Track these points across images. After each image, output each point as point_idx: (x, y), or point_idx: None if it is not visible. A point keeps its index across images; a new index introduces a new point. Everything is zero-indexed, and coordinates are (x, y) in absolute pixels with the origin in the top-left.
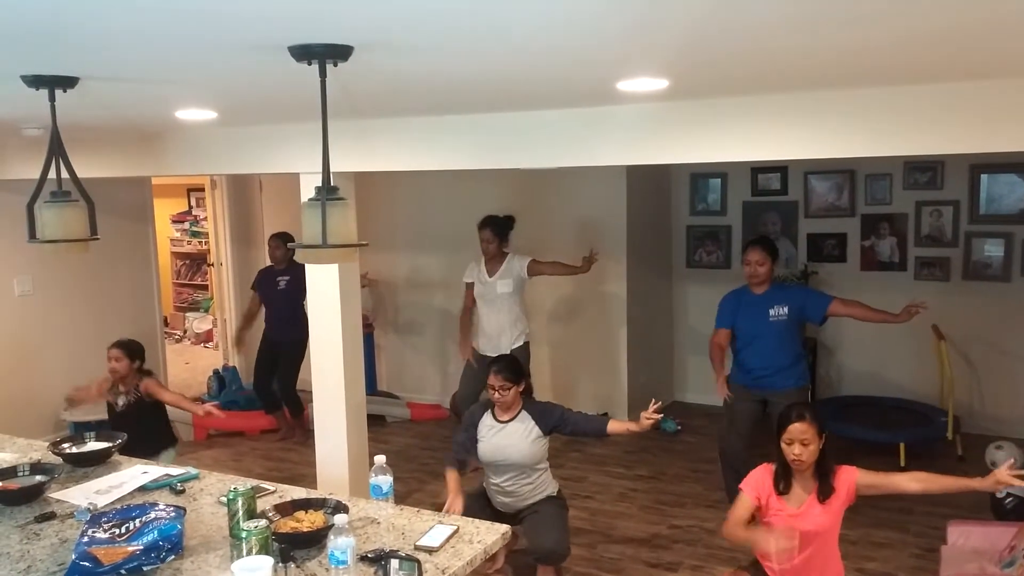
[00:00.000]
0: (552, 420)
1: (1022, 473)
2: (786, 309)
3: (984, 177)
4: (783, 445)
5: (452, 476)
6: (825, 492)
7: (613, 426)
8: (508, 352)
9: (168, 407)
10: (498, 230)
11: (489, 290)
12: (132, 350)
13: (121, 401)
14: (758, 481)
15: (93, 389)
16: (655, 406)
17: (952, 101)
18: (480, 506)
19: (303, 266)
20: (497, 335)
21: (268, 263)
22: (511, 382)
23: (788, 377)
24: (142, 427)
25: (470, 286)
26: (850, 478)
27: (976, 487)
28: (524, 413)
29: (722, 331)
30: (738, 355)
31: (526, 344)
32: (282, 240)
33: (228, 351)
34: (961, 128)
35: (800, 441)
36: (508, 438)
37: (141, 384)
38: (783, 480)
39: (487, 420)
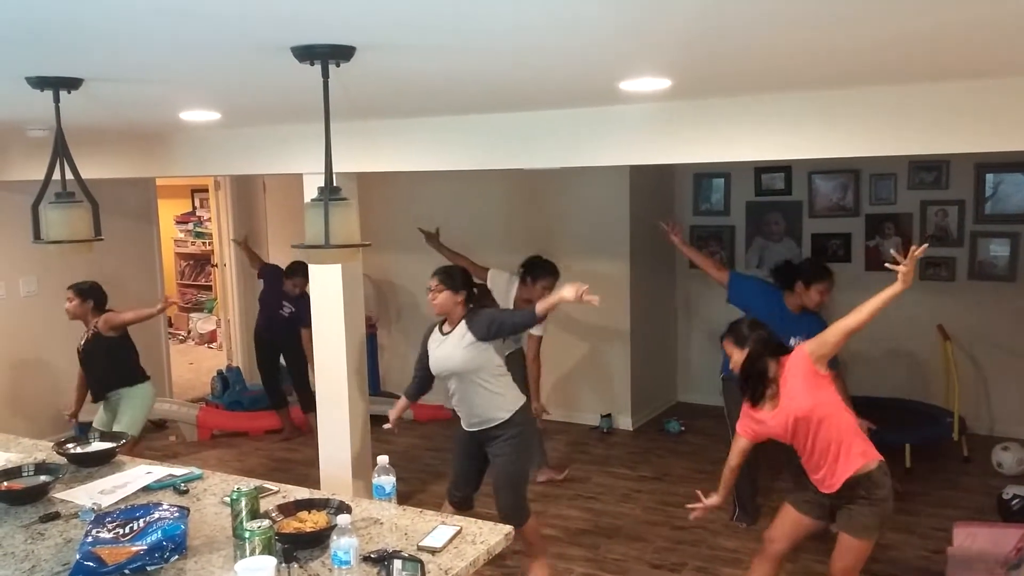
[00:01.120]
0: (485, 323)
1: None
2: (800, 340)
3: (990, 176)
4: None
5: (401, 401)
6: (772, 390)
7: (540, 306)
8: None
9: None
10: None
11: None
12: (82, 290)
13: (82, 341)
14: (743, 418)
15: (79, 378)
16: (585, 289)
17: (957, 100)
18: (462, 449)
19: (308, 302)
20: None
21: (271, 262)
22: (444, 285)
23: None
24: (111, 361)
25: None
26: (799, 357)
27: (894, 291)
28: (463, 323)
29: (724, 274)
30: None
31: (521, 349)
32: (302, 271)
33: (231, 352)
34: (966, 127)
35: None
36: (446, 348)
37: (99, 321)
38: (750, 395)
39: (435, 334)
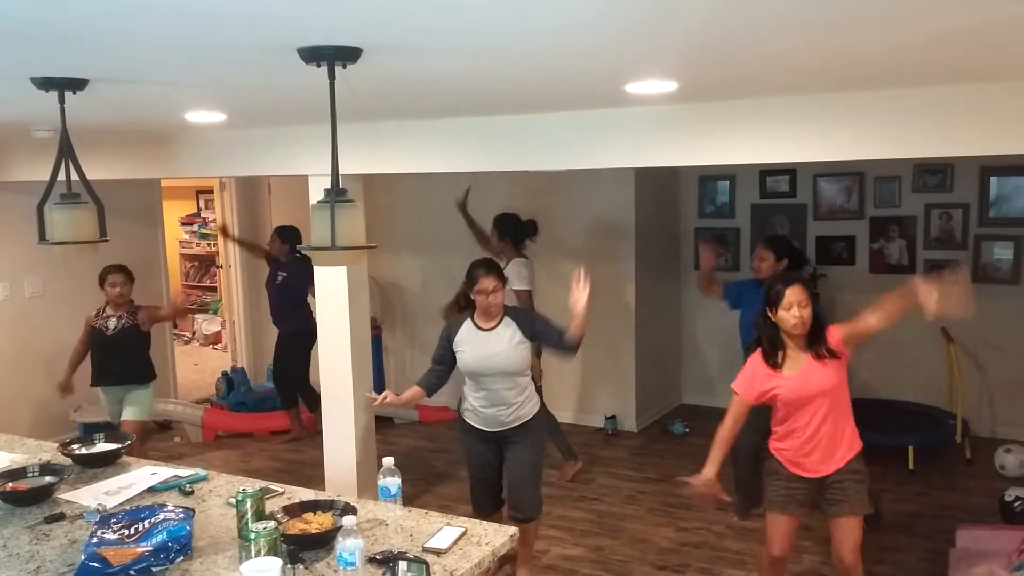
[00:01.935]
0: (531, 325)
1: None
2: None
3: (994, 179)
4: (782, 314)
5: (413, 389)
6: (823, 351)
7: (571, 332)
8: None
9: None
10: (505, 228)
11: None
12: (129, 273)
13: (112, 324)
14: (749, 376)
15: (77, 351)
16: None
17: (962, 103)
18: (478, 461)
19: (301, 263)
20: None
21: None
22: (503, 282)
23: None
24: (137, 355)
25: None
26: (837, 336)
27: (912, 300)
28: (507, 318)
29: (719, 288)
30: (743, 334)
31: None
32: (279, 234)
33: (236, 353)
34: (971, 130)
35: (798, 303)
36: (494, 346)
37: (140, 311)
38: (773, 355)
39: (466, 330)
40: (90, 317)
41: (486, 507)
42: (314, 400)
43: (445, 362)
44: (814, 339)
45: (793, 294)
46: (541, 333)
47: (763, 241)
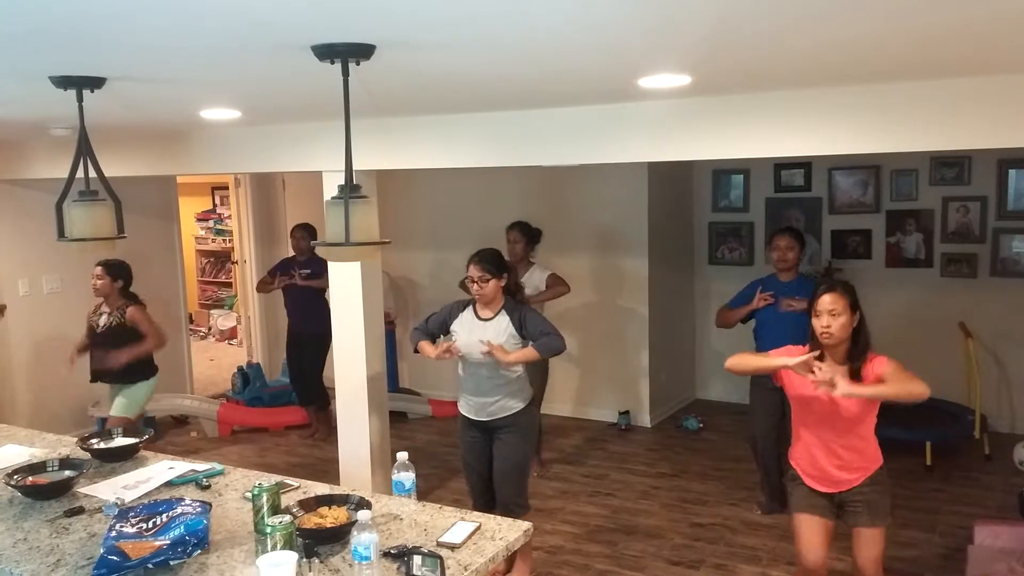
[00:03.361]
0: (525, 324)
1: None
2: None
3: (1012, 172)
4: (814, 320)
5: (426, 343)
6: (854, 374)
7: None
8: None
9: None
10: (526, 232)
11: None
12: (111, 267)
13: (102, 321)
14: (787, 352)
15: (83, 343)
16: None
17: (979, 95)
18: (474, 455)
19: (323, 260)
20: None
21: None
22: (490, 274)
23: None
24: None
25: None
26: (879, 368)
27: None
28: (504, 311)
29: (725, 312)
30: (758, 342)
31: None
32: (307, 231)
33: (252, 348)
34: (988, 123)
35: (828, 312)
36: (486, 333)
37: (128, 309)
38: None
39: (466, 316)
40: (89, 313)
41: (481, 502)
42: (324, 401)
43: (432, 331)
44: (854, 356)
45: (824, 302)
46: (529, 333)
47: (787, 231)
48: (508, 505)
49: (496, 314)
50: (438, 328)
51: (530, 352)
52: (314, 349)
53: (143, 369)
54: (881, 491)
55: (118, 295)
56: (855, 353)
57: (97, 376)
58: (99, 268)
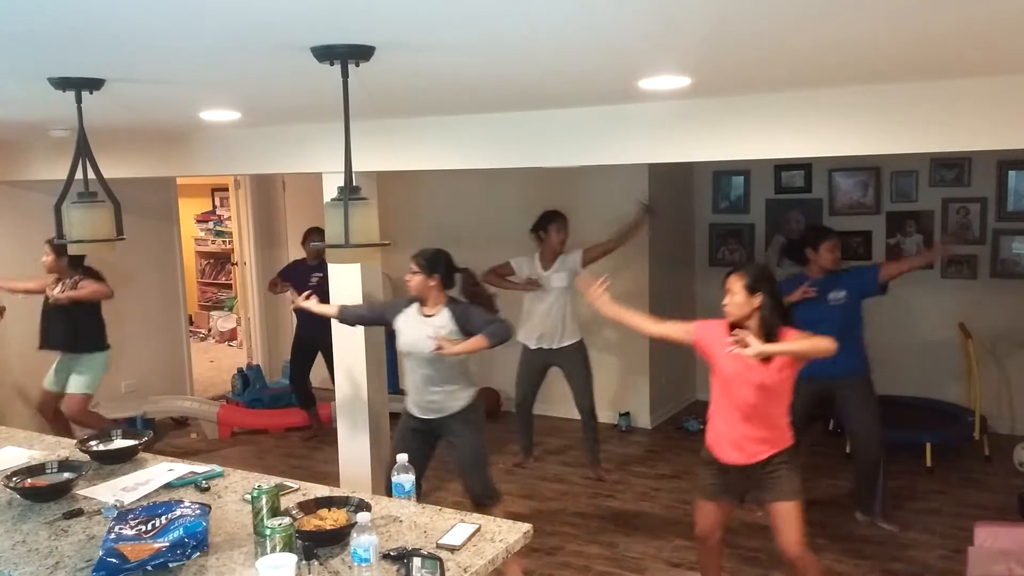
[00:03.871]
0: (467, 322)
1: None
2: (844, 293)
3: (1012, 174)
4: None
5: (331, 308)
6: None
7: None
8: (566, 346)
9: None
10: (566, 223)
11: (544, 284)
12: (59, 248)
13: (57, 291)
14: (709, 326)
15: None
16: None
17: (979, 96)
18: (404, 443)
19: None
20: (553, 330)
21: (291, 260)
22: (421, 270)
23: (850, 362)
24: (72, 323)
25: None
26: (789, 338)
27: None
28: (446, 311)
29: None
30: None
31: (582, 340)
32: (321, 236)
33: (252, 349)
34: (988, 123)
35: (727, 291)
36: (426, 330)
37: (80, 281)
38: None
39: (410, 312)
40: (48, 283)
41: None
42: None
43: (369, 317)
44: (762, 333)
45: (728, 281)
46: (474, 326)
47: (831, 232)
48: (480, 499)
49: (437, 312)
50: (371, 316)
51: (478, 342)
52: (328, 353)
53: (93, 339)
54: (791, 468)
55: (68, 270)
56: (762, 331)
57: (45, 342)
58: (46, 245)
